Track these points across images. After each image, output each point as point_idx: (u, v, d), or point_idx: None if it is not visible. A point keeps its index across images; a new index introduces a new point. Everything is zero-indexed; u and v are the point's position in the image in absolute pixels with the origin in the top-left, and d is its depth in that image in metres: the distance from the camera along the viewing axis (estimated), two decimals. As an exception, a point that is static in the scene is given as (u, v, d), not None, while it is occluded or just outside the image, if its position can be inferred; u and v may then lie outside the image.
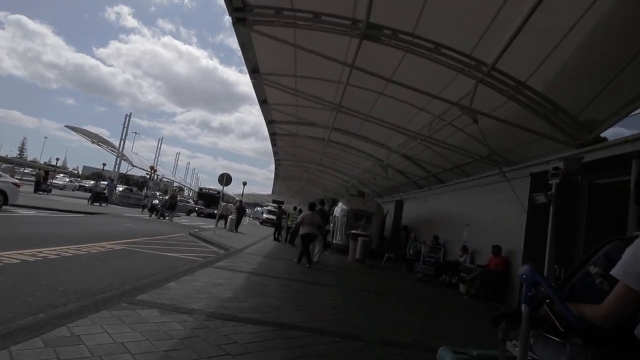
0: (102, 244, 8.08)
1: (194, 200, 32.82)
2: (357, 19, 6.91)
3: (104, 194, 23.25)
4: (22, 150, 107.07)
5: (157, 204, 21.26)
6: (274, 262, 9.29)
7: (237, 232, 17.44)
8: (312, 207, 10.88)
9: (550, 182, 5.83)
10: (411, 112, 10.86)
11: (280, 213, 18.75)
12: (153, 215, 20.22)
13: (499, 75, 7.00)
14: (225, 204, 20.21)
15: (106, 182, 27.26)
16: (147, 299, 4.10)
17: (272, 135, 18.01)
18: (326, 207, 15.65)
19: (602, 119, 6.78)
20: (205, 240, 12.01)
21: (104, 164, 27.81)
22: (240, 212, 19.69)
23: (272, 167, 28.75)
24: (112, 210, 19.52)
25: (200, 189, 33.24)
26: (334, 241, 16.26)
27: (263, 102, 13.56)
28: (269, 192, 65.35)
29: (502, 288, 8.33)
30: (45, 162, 73.89)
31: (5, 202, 11.50)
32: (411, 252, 12.88)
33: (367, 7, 6.33)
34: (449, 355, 1.75)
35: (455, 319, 5.95)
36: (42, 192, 24.73)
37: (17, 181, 12.23)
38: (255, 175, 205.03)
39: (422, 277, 10.25)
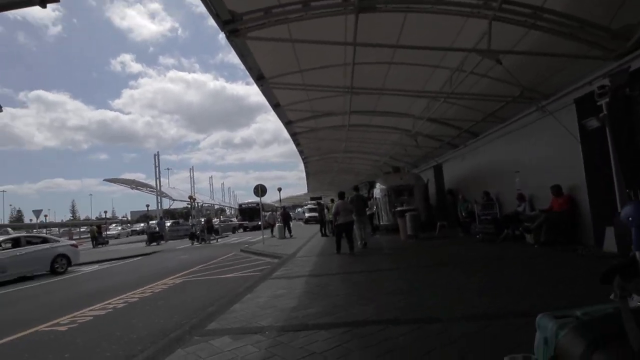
0: (164, 280, 8.34)
1: (236, 218, 33.65)
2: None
3: (158, 233, 24.21)
4: (73, 211, 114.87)
5: (195, 231, 21.92)
6: (328, 259, 9.19)
7: (291, 236, 17.86)
8: (341, 196, 11.01)
9: (598, 102, 5.27)
10: (427, 72, 10.34)
11: (321, 209, 18.65)
12: (195, 242, 20.70)
13: (511, 7, 6.42)
14: (269, 212, 20.45)
15: (156, 222, 28.36)
16: (216, 327, 4.09)
17: (293, 135, 17.91)
18: (363, 192, 15.45)
19: (638, 21, 6.06)
20: (257, 254, 12.15)
21: (147, 205, 29.14)
22: (286, 217, 19.82)
23: (302, 166, 28.76)
24: (165, 247, 20.36)
25: (240, 205, 33.99)
26: (381, 222, 15.95)
27: (276, 106, 13.45)
28: (305, 191, 65.78)
29: (571, 228, 7.72)
30: (96, 217, 78.77)
31: (69, 264, 12.23)
32: (463, 214, 12.33)
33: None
34: (551, 322, 1.48)
35: (534, 274, 5.53)
36: (100, 246, 26.35)
37: (74, 242, 12.97)
38: (288, 178, 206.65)
39: (482, 237, 9.76)
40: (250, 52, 9.28)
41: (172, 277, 8.79)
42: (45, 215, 42.38)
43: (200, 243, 20.49)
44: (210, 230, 21.39)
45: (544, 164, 9.12)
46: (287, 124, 15.90)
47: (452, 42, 8.20)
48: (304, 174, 33.42)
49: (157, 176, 30.00)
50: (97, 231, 27.59)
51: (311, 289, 5.63)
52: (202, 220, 37.99)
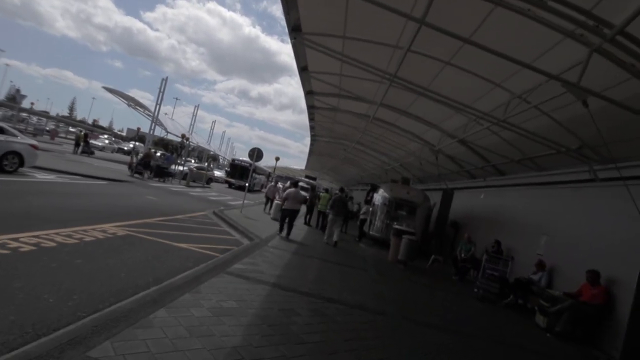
0: (106, 226, 6.85)
1: (226, 171, 31.99)
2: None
3: (167, 169, 20.99)
4: (71, 109, 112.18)
5: (133, 162, 19.29)
6: (304, 262, 7.76)
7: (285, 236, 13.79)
8: (295, 184, 12.79)
9: None
10: (483, 88, 8.79)
11: (313, 195, 16.94)
12: (133, 174, 18.65)
13: (627, 42, 4.81)
14: (272, 184, 17.04)
15: (166, 155, 25.83)
16: (104, 355, 2.61)
17: (310, 108, 16.23)
18: (347, 195, 14.31)
19: None
20: (229, 224, 10.69)
21: (139, 128, 27.32)
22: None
23: (308, 141, 27.12)
24: (141, 180, 18.80)
25: (233, 159, 32.25)
26: (371, 232, 14.56)
27: (303, 70, 11.74)
28: (303, 166, 64.22)
29: (598, 327, 6.34)
30: (93, 121, 76.53)
31: (21, 164, 10.68)
32: (463, 255, 10.95)
33: None
34: None
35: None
36: (84, 155, 24.50)
37: (35, 142, 11.36)
38: (290, 147, 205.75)
39: (482, 295, 8.38)
40: None
41: (119, 224, 7.30)
42: (32, 103, 40.16)
43: (133, 175, 18.54)
44: (146, 166, 19.22)
45: (584, 238, 7.66)
46: (308, 93, 14.20)
47: (534, 59, 6.64)
48: (307, 149, 31.82)
49: (158, 101, 28.15)
50: (84, 138, 25.71)
51: (270, 315, 4.16)
52: (193, 160, 36.45)
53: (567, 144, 8.28)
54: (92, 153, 25.67)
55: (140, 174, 19.01)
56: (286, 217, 10.48)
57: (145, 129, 31.18)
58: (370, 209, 15.13)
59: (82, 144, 25.11)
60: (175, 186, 19.85)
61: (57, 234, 5.58)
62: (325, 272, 7.18)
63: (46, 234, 5.42)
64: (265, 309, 4.30)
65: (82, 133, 27.12)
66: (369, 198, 17.47)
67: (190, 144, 33.82)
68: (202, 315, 3.67)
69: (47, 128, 42.74)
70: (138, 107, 29.51)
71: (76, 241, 5.48)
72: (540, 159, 9.95)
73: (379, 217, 14.30)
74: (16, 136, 10.73)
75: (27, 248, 4.67)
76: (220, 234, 9.09)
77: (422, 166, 16.32)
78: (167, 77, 27.75)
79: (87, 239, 5.75)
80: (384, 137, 16.87)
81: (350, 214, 15.43)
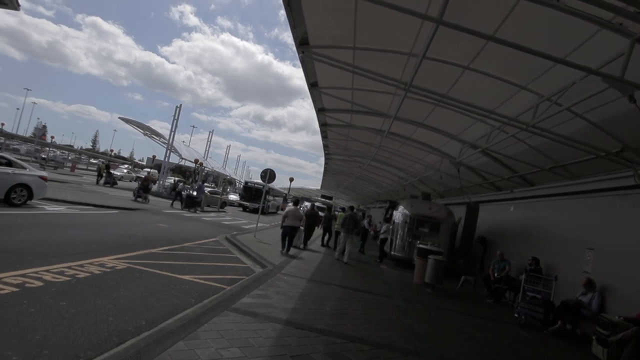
0: (106, 259, 6.35)
1: (240, 195, 31.62)
2: None
3: (197, 197, 20.63)
4: (94, 142, 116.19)
5: (137, 189, 19.92)
6: (323, 291, 7.03)
7: (305, 248, 12.91)
8: (296, 203, 14.12)
9: None
10: (507, 92, 8.15)
11: (329, 216, 15.94)
12: (136, 199, 19.29)
13: None
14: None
15: (197, 185, 25.56)
16: None
17: (323, 126, 15.78)
18: (358, 212, 14.19)
19: None
20: (241, 250, 10.08)
21: (154, 156, 27.49)
22: (311, 221, 13.92)
23: (322, 161, 26.65)
24: (155, 205, 18.58)
25: (246, 182, 31.89)
26: (393, 252, 13.68)
27: (313, 86, 11.32)
28: (318, 186, 63.67)
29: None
30: (114, 154, 78.80)
31: (30, 197, 10.47)
32: (496, 274, 9.96)
33: None
34: None
35: None
36: (107, 185, 24.63)
37: (44, 174, 11.19)
38: (305, 168, 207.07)
39: (524, 320, 7.40)
40: (300, 4, 7.26)
41: (121, 255, 6.80)
42: (52, 137, 41.36)
43: (136, 200, 19.09)
44: (145, 189, 19.64)
45: (638, 252, 6.69)
46: (320, 110, 13.76)
47: (567, 54, 5.99)
48: (322, 169, 31.34)
49: (173, 129, 28.29)
50: (107, 169, 25.87)
51: (279, 362, 3.48)
52: (207, 185, 36.38)
53: (607, 148, 7.46)
54: (115, 183, 25.74)
55: (141, 197, 19.45)
56: (286, 234, 10.93)
57: (160, 156, 31.45)
58: (391, 227, 14.31)
59: (104, 174, 25.30)
60: (190, 213, 19.53)
61: (47, 271, 5.08)
62: (344, 303, 6.42)
63: (35, 272, 4.92)
64: (275, 356, 3.60)
65: (104, 164, 27.41)
66: (388, 216, 16.67)
67: (205, 168, 33.89)
68: (195, 371, 3.01)
69: (69, 160, 43.82)
70: (154, 136, 29.85)
71: (67, 279, 4.96)
72: (574, 165, 9.10)
73: (400, 236, 13.45)
74: (25, 168, 10.56)
75: (7, 290, 4.15)
76: (230, 261, 8.48)
77: (442, 180, 15.49)
78: (180, 105, 28.04)
79: (81, 275, 5.23)
80: (400, 152, 16.19)
81: (361, 229, 15.60)
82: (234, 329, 4.08)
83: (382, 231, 14.39)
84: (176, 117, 28.27)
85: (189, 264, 7.32)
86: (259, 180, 24.85)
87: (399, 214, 13.99)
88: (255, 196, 27.72)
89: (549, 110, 7.32)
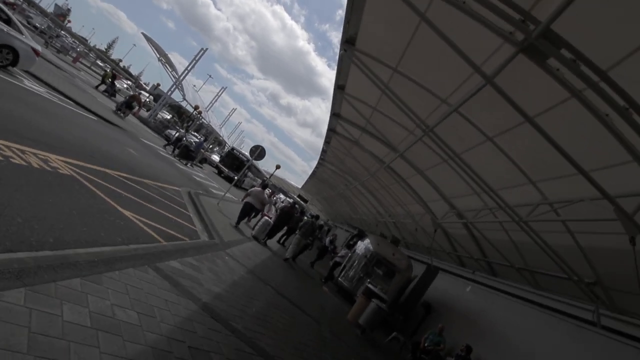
0: (53, 156, 5.72)
1: (221, 158, 30.72)
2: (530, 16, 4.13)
3: (193, 151, 20.08)
4: (109, 47, 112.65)
5: (121, 102, 19.12)
6: (256, 289, 6.57)
7: (264, 243, 11.76)
8: (264, 187, 13.64)
9: None
10: (515, 179, 7.92)
11: (299, 219, 15.06)
12: (117, 111, 18.54)
13: None
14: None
15: (198, 140, 24.72)
16: None
17: (330, 131, 15.42)
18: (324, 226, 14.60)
19: None
20: (197, 211, 9.52)
21: (158, 84, 26.54)
22: (286, 220, 12.90)
23: (314, 163, 26.28)
24: (135, 129, 17.72)
25: (232, 148, 30.96)
26: (340, 278, 13.31)
27: (339, 88, 10.95)
28: (299, 185, 63.23)
29: None
30: (124, 67, 76.41)
31: (14, 64, 9.67)
32: (426, 345, 9.70)
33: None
34: None
35: None
36: (106, 94, 23.39)
37: (38, 48, 10.39)
38: (296, 164, 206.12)
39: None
40: (364, 4, 6.81)
41: (72, 161, 6.15)
42: (69, 21, 39.46)
43: (116, 112, 18.19)
44: (128, 105, 18.87)
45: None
46: (335, 115, 13.39)
47: (593, 169, 5.77)
48: (310, 171, 30.94)
49: (188, 68, 27.47)
50: (112, 78, 24.51)
51: (169, 353, 3.01)
52: (197, 134, 35.44)
53: (581, 275, 7.32)
54: (114, 95, 24.53)
55: (121, 110, 18.70)
56: (244, 211, 11.43)
57: (165, 88, 30.47)
58: (350, 254, 13.96)
59: (108, 82, 24.11)
60: (164, 153, 18.77)
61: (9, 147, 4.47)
62: (272, 310, 5.97)
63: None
64: (172, 340, 3.12)
65: (111, 72, 26.18)
66: (351, 242, 16.33)
67: (202, 119, 33.00)
68: (72, 320, 2.51)
69: (76, 50, 42.08)
70: (167, 66, 28.87)
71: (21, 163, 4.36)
72: (543, 277, 8.97)
73: (354, 267, 13.10)
74: (22, 34, 9.78)
75: None
76: (180, 217, 7.92)
77: (415, 232, 15.30)
78: (206, 49, 27.25)
79: (16, 160, 4.63)
80: (390, 189, 15.94)
81: (317, 242, 16.10)
82: (144, 289, 3.58)
83: (339, 254, 14.03)
84: (197, 59, 27.45)
85: (137, 200, 6.74)
86: (247, 153, 24.24)
87: (362, 246, 13.66)
88: (236, 166, 27.00)
89: (545, 215, 7.13)
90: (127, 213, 5.67)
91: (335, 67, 9.06)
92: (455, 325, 10.70)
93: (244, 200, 11.51)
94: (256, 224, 12.24)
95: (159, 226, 6.13)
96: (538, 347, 7.85)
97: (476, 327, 10.09)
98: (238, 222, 11.18)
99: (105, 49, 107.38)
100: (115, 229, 4.80)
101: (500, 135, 7.23)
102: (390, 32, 7.28)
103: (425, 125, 8.11)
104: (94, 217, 4.68)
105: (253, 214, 12.70)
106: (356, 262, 13.15)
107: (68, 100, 12.10)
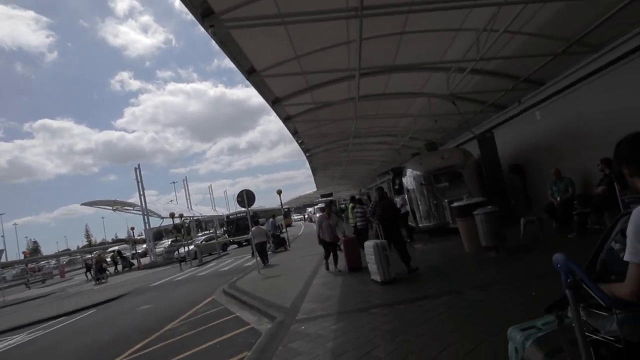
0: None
1: (226, 231, 28.41)
2: None
3: (278, 235, 18.14)
4: (87, 235, 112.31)
5: (90, 265, 20.98)
6: (362, 339, 4.67)
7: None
8: (256, 222, 13.76)
9: None
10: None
11: (330, 212, 9.47)
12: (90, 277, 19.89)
13: None
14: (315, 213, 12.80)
15: (269, 222, 20.35)
16: None
17: (287, 120, 13.34)
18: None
19: None
20: (242, 302, 7.64)
21: (132, 228, 25.00)
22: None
23: (307, 163, 24.36)
24: (145, 279, 15.99)
25: (227, 216, 28.59)
26: (420, 224, 11.37)
27: (249, 72, 8.92)
28: (314, 188, 61.23)
29: None
30: (112, 239, 75.70)
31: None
32: (558, 198, 7.71)
33: None
34: (518, 334, 1.76)
35: None
36: (98, 282, 20.92)
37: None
38: (297, 177, 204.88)
39: None
40: (236, 42, 6.69)
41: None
42: (23, 252, 38.38)
43: (96, 282, 19.45)
44: (100, 270, 20.32)
45: None
46: (274, 103, 11.39)
47: None
48: (310, 171, 28.91)
49: (141, 192, 25.74)
50: (96, 264, 22.17)
51: None
52: (200, 234, 33.76)
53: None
54: (104, 279, 22.08)
55: (101, 278, 19.73)
56: (258, 250, 11.96)
57: (140, 227, 28.83)
58: (406, 196, 12.01)
59: (92, 269, 22.54)
60: (185, 272, 17.03)
61: None
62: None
63: None
64: None
65: (93, 260, 24.58)
66: (397, 187, 14.35)
67: (195, 216, 31.33)
68: None
69: (56, 267, 40.94)
70: (124, 208, 27.23)
71: None
72: (591, 35, 7.05)
73: (421, 202, 11.14)
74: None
75: None
76: (226, 330, 5.94)
77: (437, 124, 13.18)
78: (139, 165, 25.57)
79: None
80: (381, 113, 13.83)
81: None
82: None
83: (400, 205, 11.97)
84: (139, 179, 25.77)
85: (174, 351, 4.88)
86: (242, 209, 22.22)
87: (409, 179, 11.67)
88: (245, 226, 24.95)
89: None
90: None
91: (251, 85, 8.57)
92: (559, 160, 8.66)
93: (255, 242, 11.88)
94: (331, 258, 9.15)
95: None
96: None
97: (578, 141, 8.07)
98: (327, 266, 8.96)
99: (87, 241, 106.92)
100: None
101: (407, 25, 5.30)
102: (270, 39, 6.88)
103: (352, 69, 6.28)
104: None
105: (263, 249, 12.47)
106: (418, 196, 11.19)
107: (54, 319, 10.41)
